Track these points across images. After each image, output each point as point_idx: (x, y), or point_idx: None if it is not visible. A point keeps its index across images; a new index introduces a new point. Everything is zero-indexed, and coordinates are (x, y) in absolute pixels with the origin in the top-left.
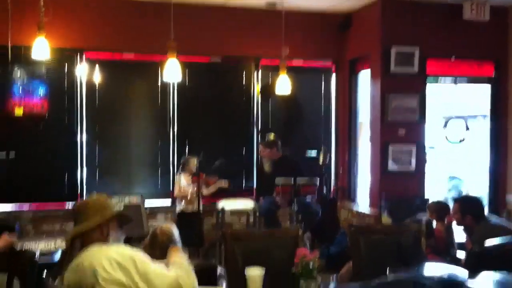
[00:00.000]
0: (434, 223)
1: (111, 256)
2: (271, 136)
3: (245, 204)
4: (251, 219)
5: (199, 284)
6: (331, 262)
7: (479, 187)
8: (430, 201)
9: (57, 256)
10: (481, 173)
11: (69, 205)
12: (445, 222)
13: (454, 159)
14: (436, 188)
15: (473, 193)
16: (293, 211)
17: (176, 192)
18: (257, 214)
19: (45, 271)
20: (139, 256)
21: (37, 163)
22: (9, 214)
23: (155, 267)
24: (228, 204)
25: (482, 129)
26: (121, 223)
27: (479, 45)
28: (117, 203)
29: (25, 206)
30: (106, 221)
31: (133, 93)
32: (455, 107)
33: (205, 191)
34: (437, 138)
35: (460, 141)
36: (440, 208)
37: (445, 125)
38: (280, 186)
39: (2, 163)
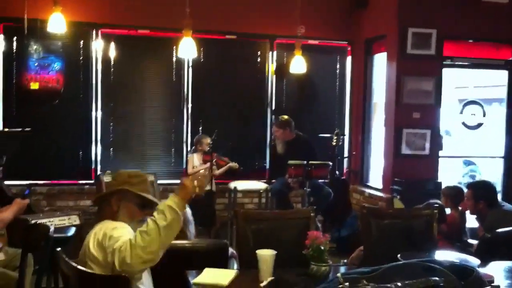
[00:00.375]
0: (448, 209)
1: (96, 233)
2: (284, 116)
3: (257, 184)
4: (263, 200)
5: (211, 264)
6: (341, 245)
7: (493, 173)
8: (443, 186)
9: (71, 232)
10: (495, 159)
11: (83, 182)
12: (460, 208)
13: (469, 144)
14: (451, 173)
15: (486, 178)
16: (305, 192)
17: (189, 170)
18: (269, 195)
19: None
20: (113, 231)
21: (51, 139)
22: (23, 188)
23: (114, 241)
24: (240, 185)
25: (498, 114)
26: (143, 205)
27: (498, 28)
28: (143, 183)
29: (39, 182)
30: (118, 197)
31: (147, 69)
32: (471, 91)
33: (216, 172)
34: (452, 123)
35: (477, 126)
36: (455, 193)
37: (462, 111)
38: (292, 168)
39: (17, 139)
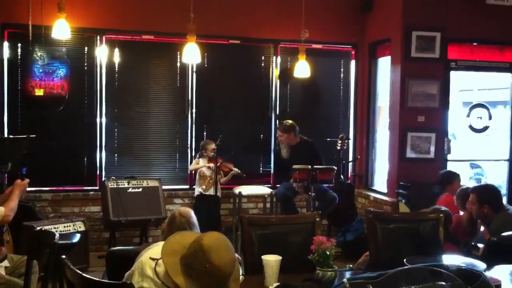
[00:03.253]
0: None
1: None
2: (289, 121)
3: (262, 189)
4: (268, 205)
5: None
6: (347, 249)
7: (499, 176)
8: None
9: (76, 238)
10: (500, 162)
11: (88, 188)
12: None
13: (474, 147)
14: None
15: (492, 182)
16: (310, 197)
17: (191, 167)
18: (274, 199)
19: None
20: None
21: (56, 145)
22: (28, 195)
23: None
24: (244, 190)
25: (503, 116)
26: None
27: (502, 30)
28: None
29: (44, 188)
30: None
31: (152, 74)
32: (475, 94)
33: (222, 180)
34: (457, 126)
35: (483, 129)
36: (466, 195)
37: (469, 114)
38: (297, 172)
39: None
